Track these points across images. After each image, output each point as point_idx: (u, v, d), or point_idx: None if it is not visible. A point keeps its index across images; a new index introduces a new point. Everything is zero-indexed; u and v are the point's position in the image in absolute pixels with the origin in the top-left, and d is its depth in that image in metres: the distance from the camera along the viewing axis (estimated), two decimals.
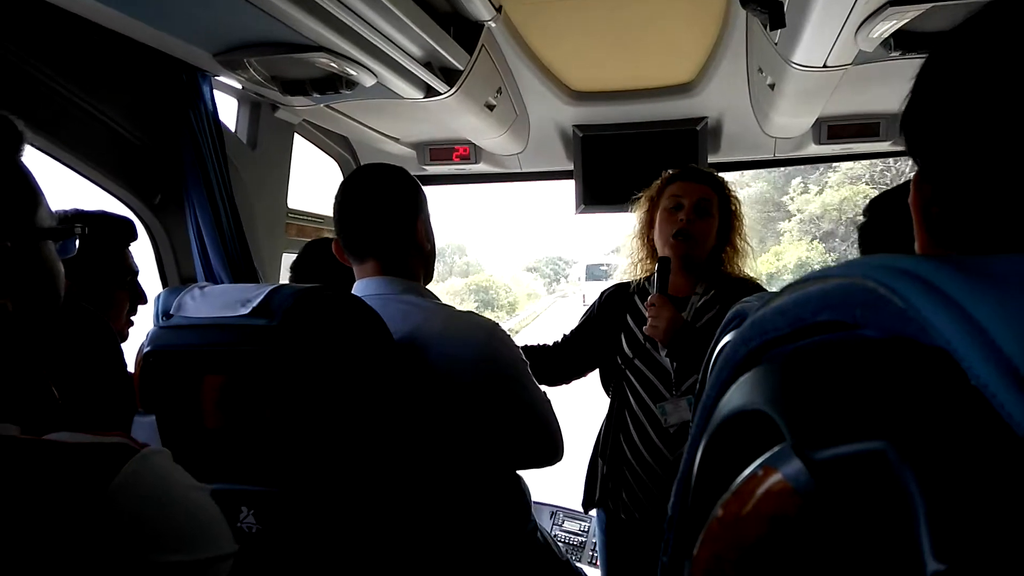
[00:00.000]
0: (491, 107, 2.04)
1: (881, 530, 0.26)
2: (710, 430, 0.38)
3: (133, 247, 1.38)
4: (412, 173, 1.27)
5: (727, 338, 0.60)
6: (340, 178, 2.61)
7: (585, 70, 2.14)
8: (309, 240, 1.79)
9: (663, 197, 1.73)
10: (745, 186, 25.64)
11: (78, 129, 1.42)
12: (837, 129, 2.22)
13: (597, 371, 1.85)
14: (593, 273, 27.47)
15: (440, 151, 2.53)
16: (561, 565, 1.36)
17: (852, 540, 0.26)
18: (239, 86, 1.73)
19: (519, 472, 1.27)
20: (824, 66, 1.50)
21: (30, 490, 0.49)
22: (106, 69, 1.48)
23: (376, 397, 0.98)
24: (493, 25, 1.70)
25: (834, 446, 0.27)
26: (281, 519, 0.97)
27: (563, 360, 1.84)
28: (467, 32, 1.69)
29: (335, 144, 2.52)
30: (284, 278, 2.00)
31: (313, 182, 2.44)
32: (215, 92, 1.66)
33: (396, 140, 2.48)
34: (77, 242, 0.68)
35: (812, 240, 22.79)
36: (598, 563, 1.89)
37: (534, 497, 1.33)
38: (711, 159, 2.40)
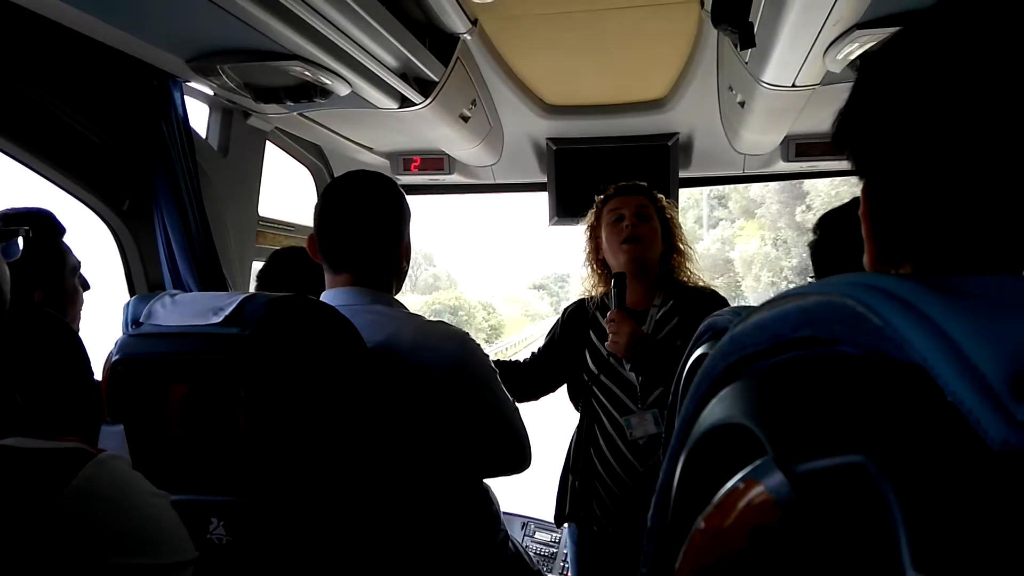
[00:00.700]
0: (465, 118, 2.04)
1: (861, 541, 0.26)
2: (690, 443, 0.39)
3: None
4: None
5: (699, 351, 0.61)
6: (312, 186, 2.59)
7: (559, 84, 2.16)
8: (276, 248, 1.77)
9: (603, 215, 1.78)
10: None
11: (44, 132, 1.38)
12: (805, 147, 2.29)
13: (565, 387, 1.87)
14: None
15: (413, 161, 2.52)
16: (533, 575, 1.36)
17: (832, 551, 0.27)
18: (211, 92, 1.70)
19: (487, 481, 1.28)
20: (793, 86, 1.54)
21: None
22: (74, 73, 1.44)
23: (349, 407, 0.97)
24: (468, 38, 1.71)
25: (815, 459, 0.27)
26: (251, 530, 0.96)
27: (532, 376, 1.86)
28: (443, 44, 1.69)
29: (308, 152, 2.50)
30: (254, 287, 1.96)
31: (285, 190, 2.42)
32: (186, 98, 1.63)
33: (370, 149, 2.47)
34: (20, 242, 0.67)
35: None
36: (569, 574, 1.89)
37: (505, 508, 1.33)
38: (682, 174, 2.44)
